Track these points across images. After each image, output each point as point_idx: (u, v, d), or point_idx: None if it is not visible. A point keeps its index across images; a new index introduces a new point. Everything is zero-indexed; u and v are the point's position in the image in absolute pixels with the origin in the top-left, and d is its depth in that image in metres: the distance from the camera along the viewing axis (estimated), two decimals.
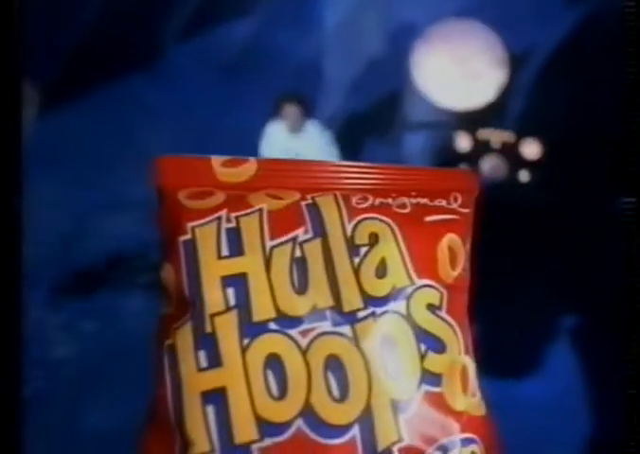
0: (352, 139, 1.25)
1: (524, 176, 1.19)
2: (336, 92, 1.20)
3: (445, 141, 1.25)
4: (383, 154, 1.22)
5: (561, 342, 0.99)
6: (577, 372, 0.91)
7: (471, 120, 1.24)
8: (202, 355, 0.29)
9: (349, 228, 0.31)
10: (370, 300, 0.30)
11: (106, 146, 0.94)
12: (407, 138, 1.27)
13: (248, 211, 0.31)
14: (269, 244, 0.30)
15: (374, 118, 1.23)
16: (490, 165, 1.29)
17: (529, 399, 0.93)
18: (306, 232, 0.31)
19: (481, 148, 1.27)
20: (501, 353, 0.91)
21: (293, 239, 0.30)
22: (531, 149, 1.22)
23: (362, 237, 0.31)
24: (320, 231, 0.31)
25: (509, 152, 1.21)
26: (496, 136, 1.25)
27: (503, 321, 0.89)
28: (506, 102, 1.20)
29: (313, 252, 0.30)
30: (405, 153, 1.24)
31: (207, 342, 0.29)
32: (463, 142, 1.31)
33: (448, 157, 1.22)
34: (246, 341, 0.28)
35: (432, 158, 1.26)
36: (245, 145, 1.11)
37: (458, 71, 1.28)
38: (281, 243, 0.30)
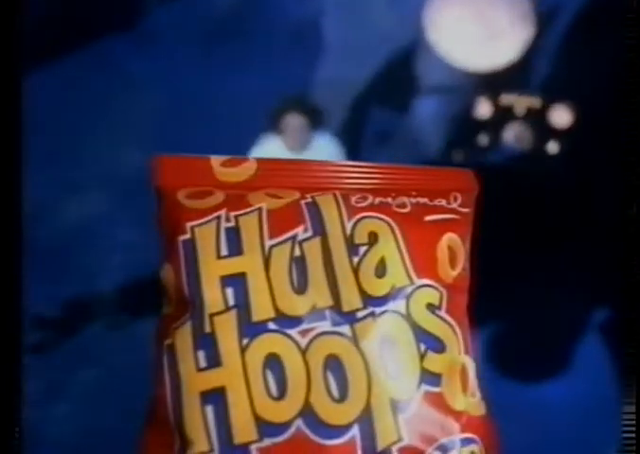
0: (358, 107, 1.27)
1: (552, 147, 1.21)
2: (339, 56, 1.22)
3: (463, 107, 1.27)
4: (393, 122, 1.25)
5: (590, 340, 1.01)
6: (607, 371, 0.93)
7: (491, 84, 1.25)
8: (201, 355, 0.33)
9: (349, 227, 0.35)
10: (369, 299, 0.34)
11: (85, 116, 0.98)
12: (419, 104, 1.29)
13: (247, 210, 0.35)
14: (268, 243, 0.34)
15: (382, 83, 1.26)
16: (514, 135, 1.31)
17: (555, 403, 0.96)
18: (305, 230, 0.35)
19: (503, 115, 1.29)
20: (523, 353, 0.94)
21: (293, 238, 0.35)
22: (560, 117, 1.23)
23: (361, 236, 0.35)
24: (319, 229, 0.35)
25: (536, 120, 1.22)
26: (520, 102, 1.26)
27: (523, 319, 0.92)
28: (531, 63, 1.21)
29: (313, 251, 0.35)
30: (417, 121, 1.26)
31: (207, 342, 0.33)
32: (483, 108, 1.33)
33: (466, 125, 1.24)
34: (245, 341, 0.32)
35: (447, 126, 1.28)
36: (237, 117, 1.14)
37: (478, 29, 1.29)
38: (280, 242, 0.34)
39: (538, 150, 1.20)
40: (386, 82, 1.20)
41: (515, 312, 0.94)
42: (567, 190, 1.09)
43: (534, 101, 1.21)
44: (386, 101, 1.23)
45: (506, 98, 1.25)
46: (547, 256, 1.02)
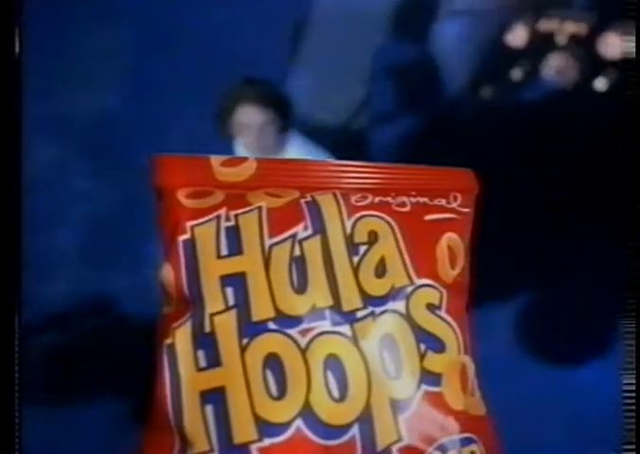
0: (368, 38, 1.31)
1: (600, 82, 1.24)
2: None
3: (493, 34, 1.30)
4: (409, 54, 1.30)
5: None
6: None
7: (528, 5, 1.28)
8: (201, 354, 0.39)
9: (349, 225, 0.42)
10: (369, 299, 0.41)
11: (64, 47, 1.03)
12: (441, 31, 1.32)
13: (247, 209, 0.42)
14: (268, 242, 0.41)
15: (397, 6, 1.29)
16: (555, 67, 1.34)
17: (594, 387, 1.01)
18: (305, 228, 0.42)
19: (542, 44, 1.31)
20: (558, 334, 0.98)
21: (293, 237, 0.41)
22: (611, 46, 1.25)
23: (361, 235, 0.42)
24: (319, 228, 0.42)
25: (581, 49, 1.24)
26: (563, 28, 1.28)
27: (558, 294, 0.96)
28: None
29: (313, 250, 0.41)
30: (438, 52, 1.30)
31: (207, 342, 0.39)
32: (518, 35, 1.35)
33: (497, 55, 1.28)
34: (245, 341, 0.39)
35: (474, 57, 1.31)
36: (223, 55, 1.18)
37: None
38: (280, 241, 0.41)
39: (583, 86, 1.20)
40: (402, 5, 1.23)
41: (549, 285, 0.99)
42: (617, 134, 1.10)
43: (579, 27, 1.23)
44: (402, 29, 1.26)
45: (546, 24, 1.26)
46: (588, 214, 1.03)
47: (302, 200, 0.43)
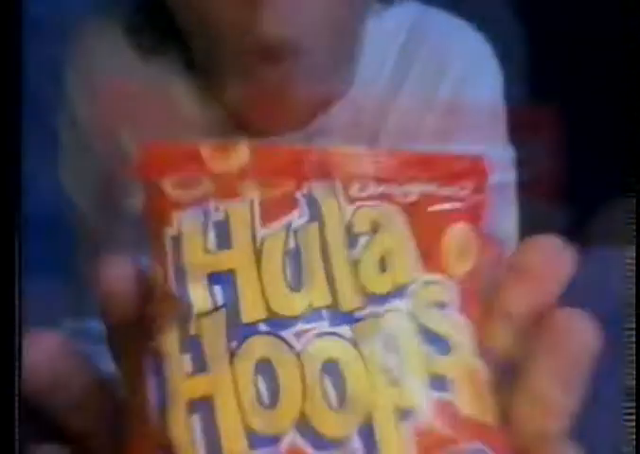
0: None
1: None
2: None
3: None
4: None
5: None
6: None
7: None
8: (187, 359, 0.41)
9: (348, 214, 0.44)
10: (371, 297, 0.42)
11: None
12: None
13: (238, 199, 0.43)
14: (260, 234, 0.43)
15: None
16: None
17: None
18: (300, 217, 0.43)
19: None
20: None
21: (287, 227, 0.43)
22: None
23: (361, 226, 0.43)
24: (316, 216, 0.43)
25: None
26: None
27: None
28: None
29: (309, 241, 0.43)
30: None
31: (193, 345, 0.41)
32: None
33: None
34: (235, 344, 0.41)
35: None
36: None
37: None
38: (273, 233, 0.43)
39: None
40: None
41: None
42: None
43: None
44: None
45: None
46: None
47: (298, 189, 0.44)
